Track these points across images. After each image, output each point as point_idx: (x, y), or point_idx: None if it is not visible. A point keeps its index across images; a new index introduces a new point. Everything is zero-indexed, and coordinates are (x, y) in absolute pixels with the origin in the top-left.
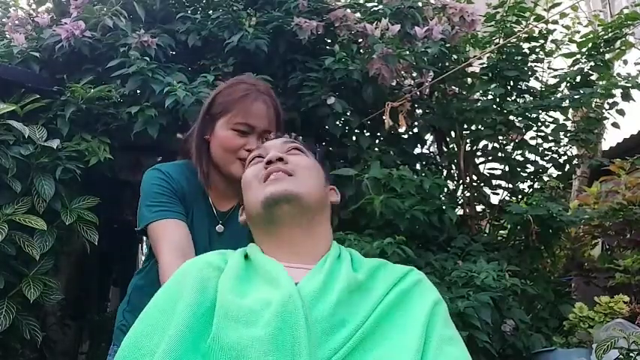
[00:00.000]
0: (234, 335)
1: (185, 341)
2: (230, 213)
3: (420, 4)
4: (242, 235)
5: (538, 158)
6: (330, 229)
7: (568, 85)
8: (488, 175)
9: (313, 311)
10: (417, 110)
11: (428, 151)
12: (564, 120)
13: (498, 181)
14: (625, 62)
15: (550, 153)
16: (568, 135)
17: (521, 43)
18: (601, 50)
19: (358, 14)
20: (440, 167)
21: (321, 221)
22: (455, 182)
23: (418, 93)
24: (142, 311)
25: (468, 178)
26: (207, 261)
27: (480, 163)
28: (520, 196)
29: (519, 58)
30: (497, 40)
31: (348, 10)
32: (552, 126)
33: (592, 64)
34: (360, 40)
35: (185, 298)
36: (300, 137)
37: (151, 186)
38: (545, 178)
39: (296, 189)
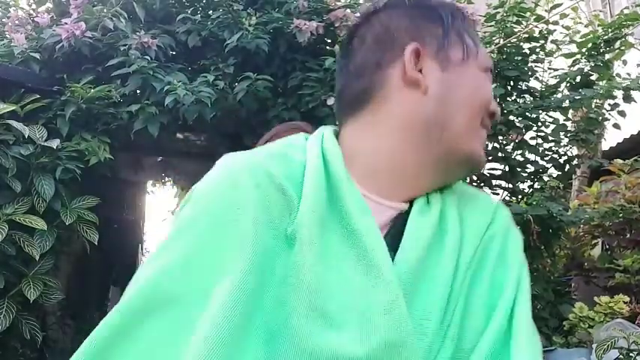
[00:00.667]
0: (324, 345)
1: (236, 330)
2: None
3: None
4: None
5: (538, 158)
6: None
7: (568, 85)
8: (488, 175)
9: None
10: None
11: None
12: (564, 120)
13: (498, 181)
14: (625, 62)
15: (550, 153)
16: (568, 135)
17: (522, 43)
18: (601, 50)
19: (358, 14)
20: None
21: None
22: None
23: None
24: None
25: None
26: (267, 170)
27: None
28: (520, 196)
29: (519, 58)
30: (498, 40)
31: (348, 10)
32: (552, 126)
33: (592, 64)
34: None
35: (241, 251)
36: None
37: None
38: (546, 178)
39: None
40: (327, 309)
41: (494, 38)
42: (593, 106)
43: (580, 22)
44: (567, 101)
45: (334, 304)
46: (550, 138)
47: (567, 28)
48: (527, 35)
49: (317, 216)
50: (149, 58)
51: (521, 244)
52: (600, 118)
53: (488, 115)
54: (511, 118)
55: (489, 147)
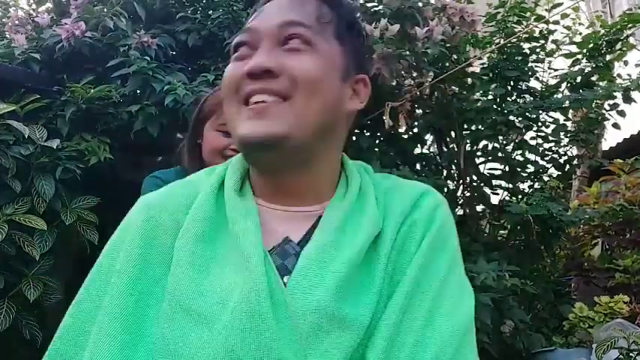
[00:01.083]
0: (194, 339)
1: (114, 344)
2: None
3: (420, 4)
4: None
5: (538, 158)
6: (338, 155)
7: (568, 85)
8: (488, 175)
9: (303, 300)
10: (417, 110)
11: (428, 151)
12: (564, 120)
13: (498, 181)
14: (625, 63)
15: (550, 153)
16: (568, 135)
17: (522, 44)
18: (602, 51)
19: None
20: (440, 167)
21: (324, 153)
22: (455, 182)
23: (418, 93)
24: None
25: (468, 178)
26: (162, 203)
27: (480, 163)
28: (520, 196)
29: (520, 58)
30: (498, 40)
31: None
32: (552, 126)
33: (593, 64)
34: None
35: (121, 268)
36: None
37: (145, 189)
38: (546, 178)
39: (283, 128)
40: (195, 308)
41: (494, 38)
42: (593, 106)
43: (581, 23)
44: (567, 101)
45: (204, 303)
46: (550, 138)
47: (568, 28)
48: (527, 35)
49: (197, 230)
50: (149, 58)
51: (450, 229)
52: (600, 118)
53: (246, 85)
54: (511, 118)
55: (489, 147)
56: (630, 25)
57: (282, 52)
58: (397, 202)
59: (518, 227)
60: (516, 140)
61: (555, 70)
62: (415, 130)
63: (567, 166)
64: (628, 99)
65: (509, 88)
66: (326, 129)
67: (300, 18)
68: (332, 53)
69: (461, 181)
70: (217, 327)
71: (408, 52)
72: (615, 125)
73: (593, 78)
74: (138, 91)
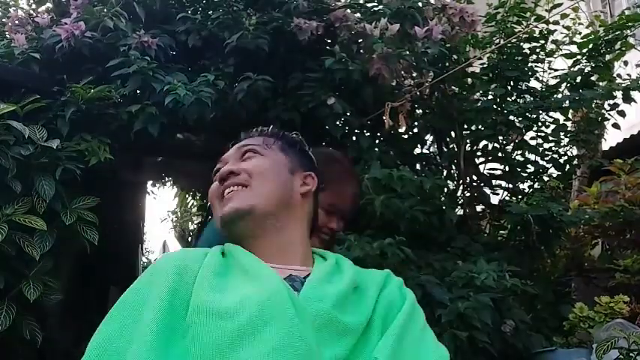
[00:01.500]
0: (217, 331)
1: (158, 341)
2: None
3: (420, 4)
4: None
5: (538, 158)
6: (305, 227)
7: (568, 85)
8: (488, 175)
9: (311, 307)
10: (417, 110)
11: (428, 151)
12: (564, 120)
13: (498, 181)
14: (625, 63)
15: (550, 153)
16: (568, 135)
17: (522, 44)
18: (601, 51)
19: (358, 14)
20: (440, 167)
21: (289, 221)
22: (455, 182)
23: (418, 93)
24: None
25: (468, 178)
26: (183, 257)
27: (480, 163)
28: (520, 196)
29: (520, 58)
30: (498, 40)
31: (348, 11)
32: (552, 126)
33: (592, 64)
34: (360, 40)
35: (157, 293)
36: (267, 128)
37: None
38: (546, 179)
39: (246, 203)
40: (215, 307)
41: (494, 38)
42: (593, 106)
43: (580, 23)
44: (567, 101)
45: (225, 302)
46: (550, 138)
47: (568, 28)
48: (527, 35)
49: (212, 268)
50: (149, 58)
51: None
52: (600, 118)
53: (220, 188)
54: (511, 118)
55: (489, 147)
56: (629, 25)
57: (240, 161)
58: (371, 276)
59: (518, 227)
60: (516, 140)
61: (555, 70)
62: (415, 130)
63: (567, 166)
64: (628, 99)
65: (509, 88)
66: (283, 202)
67: (251, 142)
68: (277, 157)
69: (461, 181)
70: (240, 318)
71: (408, 52)
72: (615, 125)
73: (593, 78)
74: (138, 91)
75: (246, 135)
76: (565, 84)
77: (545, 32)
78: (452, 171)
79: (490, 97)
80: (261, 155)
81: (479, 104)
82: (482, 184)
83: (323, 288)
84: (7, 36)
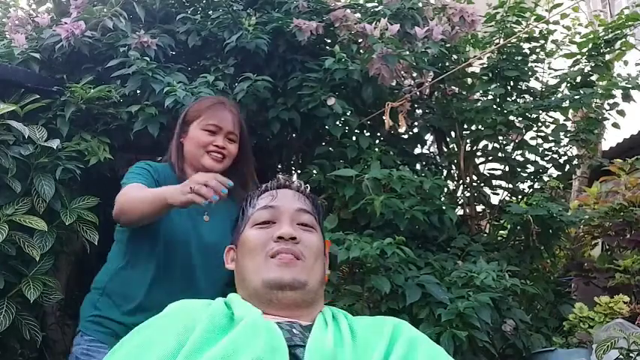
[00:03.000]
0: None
1: None
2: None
3: (420, 4)
4: (227, 222)
5: (538, 158)
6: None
7: (568, 85)
8: (488, 175)
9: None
10: (417, 110)
11: (428, 151)
12: (564, 120)
13: (498, 181)
14: (625, 63)
15: (550, 153)
16: (568, 135)
17: (522, 44)
18: (601, 51)
19: (358, 14)
20: (440, 167)
21: (318, 296)
22: (455, 182)
23: (418, 93)
24: (119, 343)
25: (468, 178)
26: (192, 307)
27: (480, 163)
28: (520, 197)
29: (519, 58)
30: (498, 40)
31: (348, 11)
32: (552, 126)
33: (592, 64)
34: (360, 40)
35: (162, 346)
36: (305, 187)
37: (134, 168)
38: (546, 179)
39: (304, 277)
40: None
41: (494, 38)
42: (593, 106)
43: (580, 24)
44: (567, 101)
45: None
46: (550, 138)
47: (567, 28)
48: (527, 35)
49: (211, 318)
50: (149, 59)
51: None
52: (600, 118)
53: (273, 244)
54: (511, 118)
55: (489, 147)
56: (629, 24)
57: (298, 227)
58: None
59: (518, 227)
60: (516, 140)
61: (555, 70)
62: (415, 130)
63: (567, 166)
64: (628, 98)
65: (509, 88)
66: (322, 281)
67: (307, 207)
68: (320, 238)
69: (461, 181)
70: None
71: (407, 52)
72: (615, 125)
73: (593, 78)
74: (138, 92)
75: (289, 183)
76: (565, 84)
77: (545, 32)
78: (452, 171)
79: (490, 97)
80: (315, 232)
81: (479, 104)
82: (482, 184)
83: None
84: (7, 36)
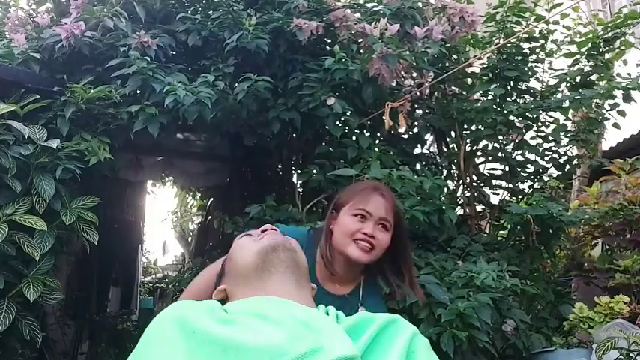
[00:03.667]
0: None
1: None
2: (347, 296)
3: (420, 4)
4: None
5: (538, 158)
6: None
7: (568, 85)
8: (488, 175)
9: None
10: (417, 110)
11: (428, 152)
12: (564, 120)
13: (498, 182)
14: (625, 62)
15: (550, 153)
16: (568, 135)
17: (522, 44)
18: (600, 50)
19: (358, 14)
20: (440, 167)
21: None
22: (455, 182)
23: (418, 93)
24: None
25: (468, 178)
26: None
27: (480, 164)
28: (520, 197)
29: (519, 58)
30: (498, 40)
31: (348, 11)
32: (552, 126)
33: (592, 64)
34: (360, 40)
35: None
36: None
37: None
38: (546, 179)
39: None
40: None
41: (494, 38)
42: (593, 106)
43: (580, 23)
44: (567, 101)
45: None
46: (550, 138)
47: (567, 28)
48: (527, 35)
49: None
50: (149, 59)
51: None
52: (600, 118)
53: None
54: (511, 118)
55: (489, 147)
56: (627, 23)
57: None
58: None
59: (518, 227)
60: (516, 140)
61: (555, 70)
62: (415, 130)
63: (567, 166)
64: (628, 98)
65: (509, 88)
66: None
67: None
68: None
69: (461, 181)
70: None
71: (408, 52)
72: (615, 125)
73: (593, 77)
74: (138, 92)
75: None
76: (565, 84)
77: (545, 32)
78: (452, 171)
79: (490, 97)
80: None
81: (479, 104)
82: (482, 184)
83: None
84: (7, 36)
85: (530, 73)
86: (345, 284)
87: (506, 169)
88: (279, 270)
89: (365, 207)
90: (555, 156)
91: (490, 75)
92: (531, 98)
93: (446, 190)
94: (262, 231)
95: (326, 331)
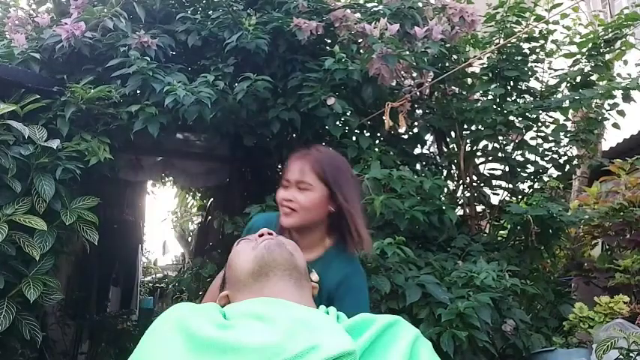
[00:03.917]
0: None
1: None
2: (312, 262)
3: (420, 4)
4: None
5: (538, 158)
6: None
7: (568, 85)
8: (488, 175)
9: None
10: (417, 110)
11: (428, 152)
12: (564, 120)
13: (498, 182)
14: (625, 62)
15: (550, 153)
16: (568, 135)
17: (522, 44)
18: (601, 50)
19: (358, 14)
20: (440, 167)
21: None
22: (455, 182)
23: (418, 93)
24: None
25: (468, 178)
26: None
27: (480, 164)
28: (520, 197)
29: (519, 58)
30: (498, 40)
31: (348, 11)
32: (552, 126)
33: (592, 64)
34: (360, 40)
35: None
36: None
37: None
38: (545, 179)
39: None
40: None
41: (494, 38)
42: (593, 106)
43: (580, 24)
44: (567, 101)
45: None
46: (550, 138)
47: (567, 28)
48: (527, 35)
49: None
50: (149, 59)
51: None
52: (600, 118)
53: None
54: (511, 118)
55: (489, 147)
56: (628, 24)
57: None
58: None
59: (518, 227)
60: (516, 140)
61: (555, 70)
62: (415, 130)
63: (567, 166)
64: (628, 98)
65: (509, 88)
66: None
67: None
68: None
69: (461, 181)
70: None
71: (407, 52)
72: (615, 125)
73: (593, 78)
74: (138, 91)
75: None
76: (565, 84)
77: (545, 32)
78: (452, 171)
79: (490, 97)
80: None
81: (479, 104)
82: (482, 184)
83: None
84: (7, 36)
85: (530, 73)
86: (308, 251)
87: (506, 169)
88: (277, 274)
89: (285, 176)
90: (555, 156)
91: (490, 75)
92: (531, 98)
93: (446, 190)
94: (260, 235)
95: (324, 330)
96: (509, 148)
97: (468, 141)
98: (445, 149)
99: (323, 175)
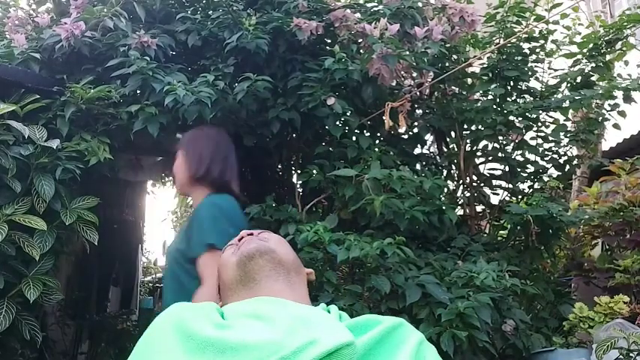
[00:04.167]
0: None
1: None
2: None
3: (419, 4)
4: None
5: (538, 158)
6: None
7: (568, 85)
8: (488, 175)
9: None
10: (416, 110)
11: (428, 152)
12: (564, 120)
13: (498, 182)
14: (626, 63)
15: (550, 153)
16: (568, 135)
17: (522, 44)
18: (602, 51)
19: (358, 14)
20: (440, 167)
21: None
22: (455, 182)
23: (418, 93)
24: None
25: (468, 178)
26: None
27: (480, 164)
28: (520, 197)
29: (519, 58)
30: (498, 40)
31: (348, 11)
32: (552, 126)
33: (593, 64)
34: (360, 40)
35: None
36: None
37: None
38: (545, 179)
39: None
40: None
41: (494, 38)
42: (593, 106)
43: (580, 24)
44: (567, 101)
45: None
46: (550, 138)
47: (567, 28)
48: (527, 35)
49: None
50: (149, 58)
51: None
52: (600, 118)
53: None
54: (511, 118)
55: (489, 147)
56: (630, 25)
57: None
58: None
59: (518, 227)
60: (516, 140)
61: (555, 70)
62: (415, 130)
63: (567, 166)
64: (628, 99)
65: (509, 88)
66: None
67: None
68: None
69: (461, 182)
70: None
71: (407, 52)
72: (615, 125)
73: (593, 78)
74: (138, 91)
75: None
76: (565, 84)
77: (545, 32)
78: (452, 171)
79: (490, 97)
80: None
81: (479, 104)
82: (482, 184)
83: None
84: (7, 36)
85: (530, 73)
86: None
87: (506, 169)
88: (264, 274)
89: None
90: (555, 156)
91: (490, 75)
92: (531, 98)
93: (446, 190)
94: (240, 239)
95: (323, 325)
96: (509, 148)
97: (468, 141)
98: (445, 149)
99: (180, 145)
